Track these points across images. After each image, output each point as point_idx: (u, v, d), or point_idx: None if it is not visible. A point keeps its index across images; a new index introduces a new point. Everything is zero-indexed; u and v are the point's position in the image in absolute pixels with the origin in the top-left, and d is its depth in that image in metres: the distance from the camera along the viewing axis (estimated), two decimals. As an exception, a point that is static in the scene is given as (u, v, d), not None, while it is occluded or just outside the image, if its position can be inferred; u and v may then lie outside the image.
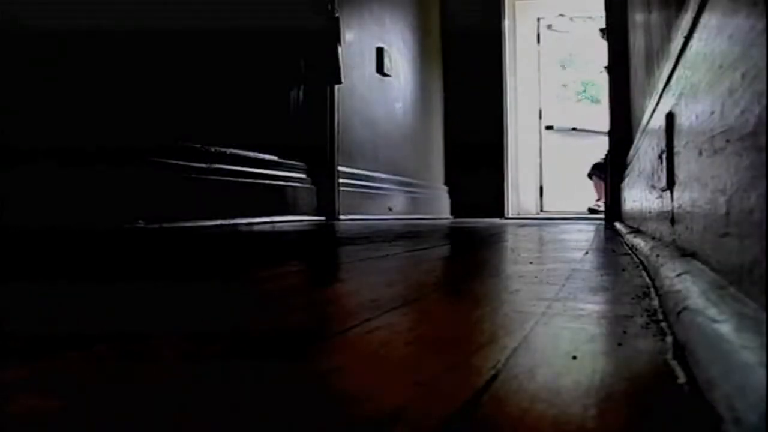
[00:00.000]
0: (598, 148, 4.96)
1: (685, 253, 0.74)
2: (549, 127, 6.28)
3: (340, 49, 3.07)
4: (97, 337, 0.52)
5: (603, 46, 3.80)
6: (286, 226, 2.51)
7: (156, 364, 0.45)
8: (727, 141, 0.48)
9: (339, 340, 0.53)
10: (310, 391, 0.39)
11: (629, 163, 2.33)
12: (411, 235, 2.36)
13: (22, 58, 1.52)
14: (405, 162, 4.40)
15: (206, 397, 0.37)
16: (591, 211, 5.55)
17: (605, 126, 3.68)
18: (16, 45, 1.49)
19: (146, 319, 0.63)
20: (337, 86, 3.13)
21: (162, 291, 0.83)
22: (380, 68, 3.92)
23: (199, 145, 2.10)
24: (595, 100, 7.82)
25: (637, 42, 2.41)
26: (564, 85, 8.07)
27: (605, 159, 5.23)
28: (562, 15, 6.21)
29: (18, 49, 1.50)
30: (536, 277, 0.97)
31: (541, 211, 6.13)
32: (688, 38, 0.73)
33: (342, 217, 3.14)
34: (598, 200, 5.44)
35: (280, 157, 2.66)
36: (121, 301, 0.75)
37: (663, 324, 0.56)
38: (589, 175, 5.64)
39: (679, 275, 0.62)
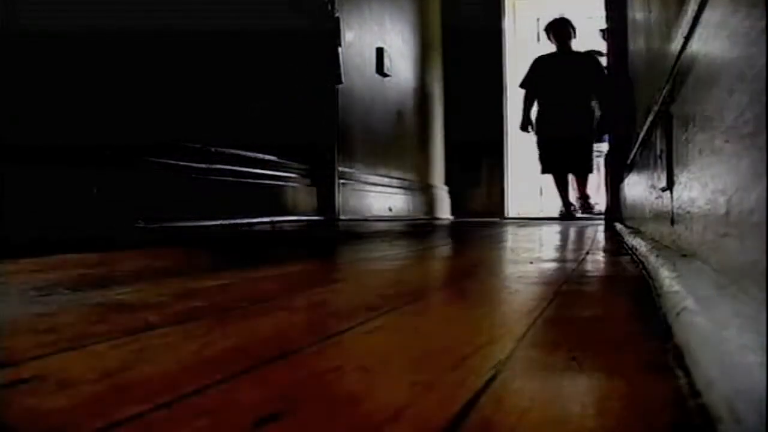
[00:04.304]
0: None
1: (685, 253, 0.74)
2: (550, 127, 6.26)
3: (340, 49, 3.07)
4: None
5: (603, 46, 3.80)
6: (286, 226, 2.51)
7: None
8: (727, 141, 0.48)
9: (338, 339, 0.53)
10: (309, 391, 0.38)
11: (629, 164, 2.33)
12: (411, 235, 2.36)
13: (21, 57, 1.52)
14: (405, 162, 4.40)
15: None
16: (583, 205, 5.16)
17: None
18: (15, 44, 1.49)
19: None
20: (337, 86, 3.13)
21: (161, 287, 0.83)
22: (380, 68, 3.91)
23: (199, 145, 2.10)
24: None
25: (637, 42, 2.41)
26: (564, 85, 8.05)
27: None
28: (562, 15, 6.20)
29: (17, 49, 1.50)
30: (536, 277, 0.97)
31: (542, 211, 6.12)
32: (688, 38, 0.73)
33: (342, 217, 3.14)
34: (579, 197, 5.18)
35: (280, 157, 2.66)
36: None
37: (663, 324, 0.56)
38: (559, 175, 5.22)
39: (678, 275, 0.62)
